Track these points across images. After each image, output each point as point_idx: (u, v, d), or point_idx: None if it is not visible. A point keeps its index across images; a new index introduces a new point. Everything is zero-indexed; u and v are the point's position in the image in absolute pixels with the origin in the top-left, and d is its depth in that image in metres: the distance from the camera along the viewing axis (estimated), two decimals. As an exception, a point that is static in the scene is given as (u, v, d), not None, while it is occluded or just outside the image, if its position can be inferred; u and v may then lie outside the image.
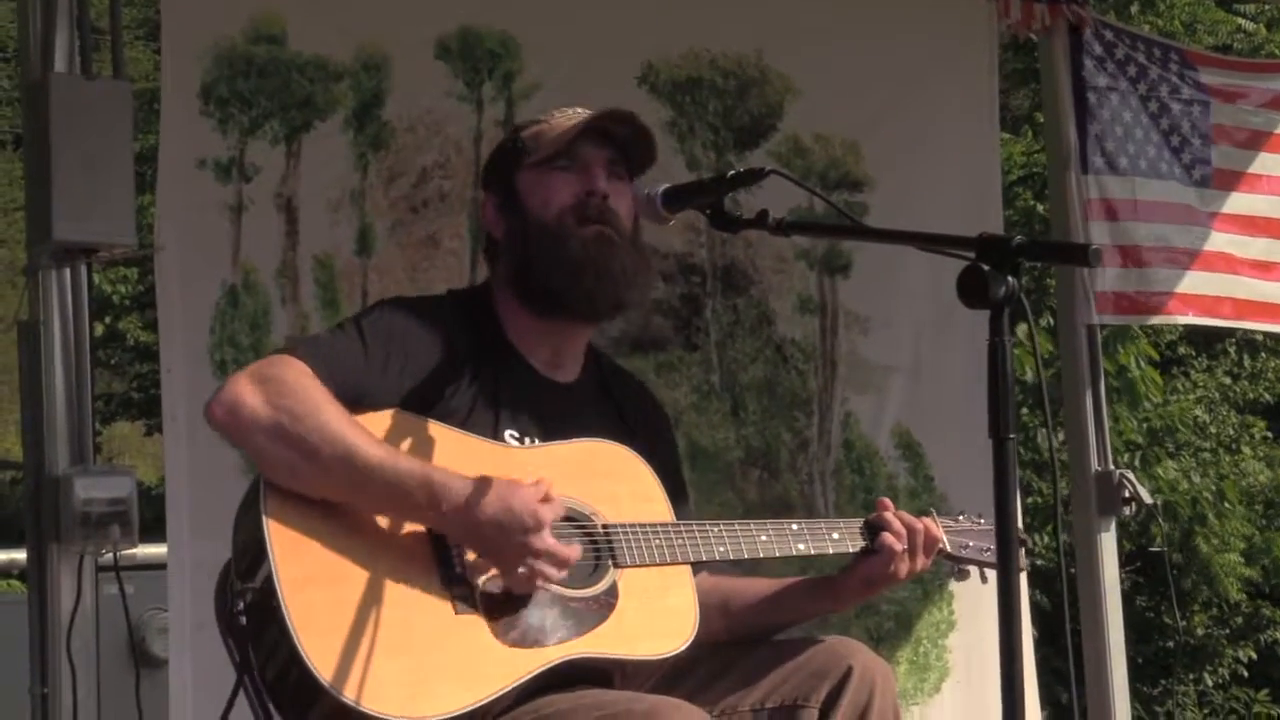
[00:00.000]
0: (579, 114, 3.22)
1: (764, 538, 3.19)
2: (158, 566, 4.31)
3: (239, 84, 4.35)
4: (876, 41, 5.48)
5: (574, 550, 2.85)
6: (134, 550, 4.04)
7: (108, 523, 3.91)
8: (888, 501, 3.33)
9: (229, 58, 4.34)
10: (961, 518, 3.45)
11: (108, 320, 14.90)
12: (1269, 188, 6.10)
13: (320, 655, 2.68)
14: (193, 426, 4.14)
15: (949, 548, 3.36)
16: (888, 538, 3.23)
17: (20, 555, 4.23)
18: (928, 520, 3.29)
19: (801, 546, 3.22)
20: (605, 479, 3.09)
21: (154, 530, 4.22)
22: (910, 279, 5.26)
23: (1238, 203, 6.03)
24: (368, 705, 2.67)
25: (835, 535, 3.27)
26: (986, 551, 3.41)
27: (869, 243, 5.22)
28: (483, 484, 2.80)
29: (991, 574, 3.40)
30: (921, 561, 3.27)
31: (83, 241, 3.94)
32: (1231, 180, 6.03)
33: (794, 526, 3.25)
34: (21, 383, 3.99)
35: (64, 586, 3.91)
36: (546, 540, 2.80)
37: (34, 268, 3.98)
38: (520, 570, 2.81)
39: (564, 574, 2.84)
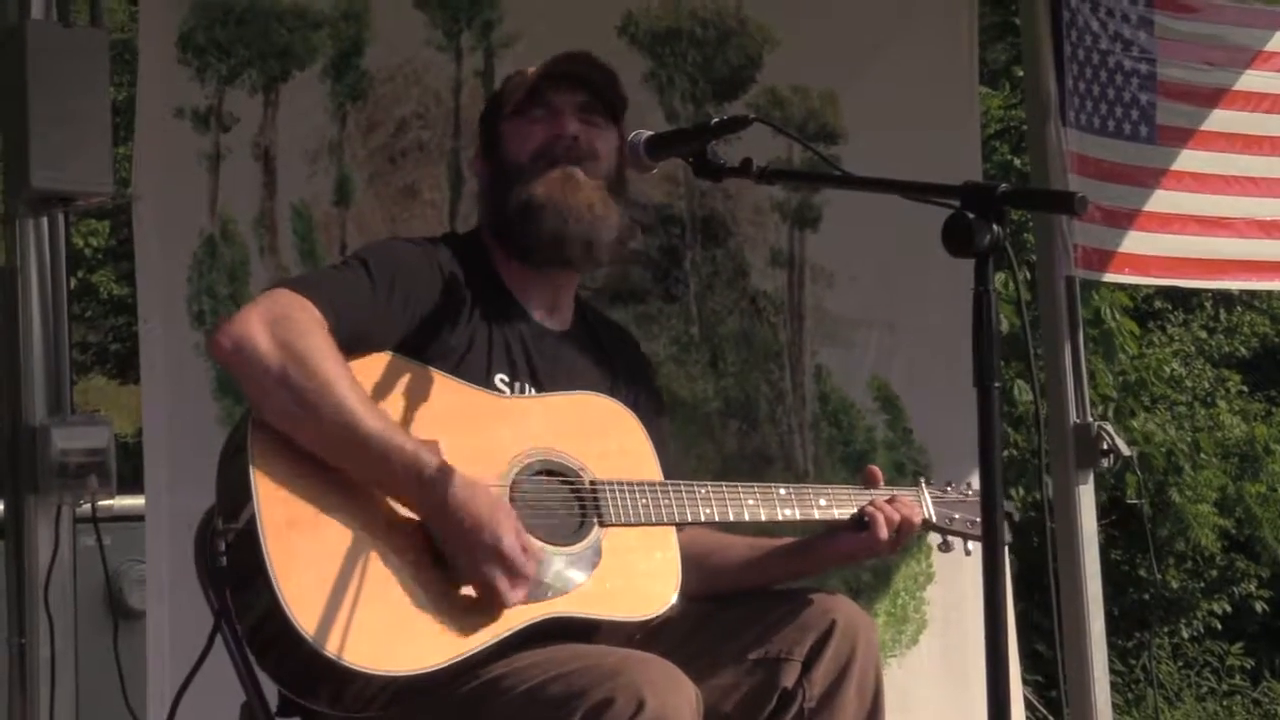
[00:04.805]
0: None
1: (751, 501, 3.18)
2: (134, 518, 4.30)
3: (217, 32, 4.32)
4: (856, -8, 5.45)
5: (526, 576, 2.80)
6: (111, 502, 4.04)
7: (85, 473, 3.90)
8: (878, 472, 3.34)
9: (207, 6, 4.31)
10: (950, 488, 3.45)
11: (80, 274, 14.85)
12: (1227, 145, 6.09)
13: (299, 602, 2.65)
14: (171, 377, 4.13)
15: (935, 519, 3.36)
16: (878, 516, 3.22)
17: (-4, 506, 4.24)
18: (905, 501, 3.28)
19: (789, 512, 3.22)
20: (596, 435, 3.08)
21: (130, 482, 4.21)
22: (880, 233, 5.20)
23: (1188, 160, 6.01)
24: (347, 657, 2.65)
25: (823, 502, 3.26)
26: (972, 525, 3.39)
27: (841, 196, 5.24)
28: (467, 486, 2.77)
29: (974, 546, 3.39)
30: (898, 544, 3.27)
31: (60, 190, 3.92)
32: (1182, 137, 6.01)
33: (781, 492, 3.24)
34: (-2, 332, 3.98)
35: (41, 537, 3.90)
36: (509, 552, 2.77)
37: (11, 216, 3.96)
38: (479, 580, 2.79)
39: (520, 594, 2.80)
